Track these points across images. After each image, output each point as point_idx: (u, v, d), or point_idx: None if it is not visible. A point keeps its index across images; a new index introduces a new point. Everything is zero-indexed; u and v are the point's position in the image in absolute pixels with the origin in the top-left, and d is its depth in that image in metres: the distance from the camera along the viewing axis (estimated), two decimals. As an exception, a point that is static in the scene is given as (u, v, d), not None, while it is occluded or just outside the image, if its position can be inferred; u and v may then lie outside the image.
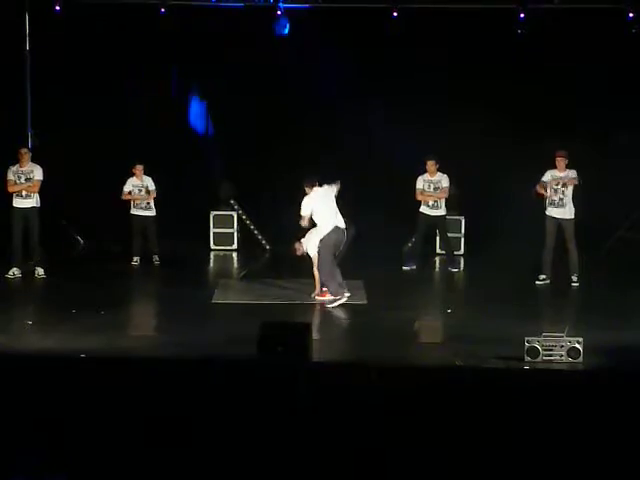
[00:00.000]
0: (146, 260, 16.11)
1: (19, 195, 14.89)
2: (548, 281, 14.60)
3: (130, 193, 16.18)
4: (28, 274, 14.86)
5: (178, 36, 16.76)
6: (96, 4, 16.44)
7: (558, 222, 14.58)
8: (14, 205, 14.92)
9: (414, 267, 15.84)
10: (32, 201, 14.90)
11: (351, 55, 16.48)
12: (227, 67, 17.00)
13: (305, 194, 13.54)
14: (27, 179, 14.89)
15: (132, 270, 15.87)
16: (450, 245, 16.41)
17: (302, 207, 13.44)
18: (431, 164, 15.85)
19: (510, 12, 16.26)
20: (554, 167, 14.56)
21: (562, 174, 14.54)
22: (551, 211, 14.60)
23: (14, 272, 14.82)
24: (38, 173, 14.91)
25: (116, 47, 16.73)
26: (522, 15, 16.23)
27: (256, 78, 17.02)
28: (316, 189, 13.51)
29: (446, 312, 13.15)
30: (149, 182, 16.22)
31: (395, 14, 16.27)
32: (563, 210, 14.55)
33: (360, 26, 16.49)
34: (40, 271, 14.93)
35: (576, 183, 14.47)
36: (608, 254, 16.59)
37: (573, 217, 14.56)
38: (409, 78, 16.65)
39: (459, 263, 16.40)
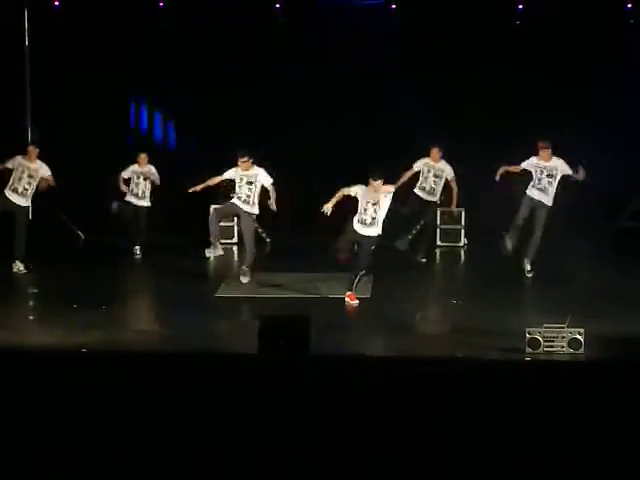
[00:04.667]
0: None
1: (15, 190, 14.75)
2: (510, 247, 14.32)
3: (129, 180, 16.09)
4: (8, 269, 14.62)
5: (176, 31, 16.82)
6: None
7: (535, 203, 14.41)
8: (6, 195, 14.70)
9: (424, 259, 15.73)
10: (24, 200, 14.73)
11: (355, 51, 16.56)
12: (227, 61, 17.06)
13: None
14: (29, 176, 14.75)
15: (133, 264, 15.87)
16: (429, 235, 16.24)
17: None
18: (435, 151, 15.68)
19: (508, 3, 16.26)
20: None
21: (547, 163, 14.42)
22: (533, 193, 14.43)
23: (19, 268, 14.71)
24: (45, 171, 14.79)
25: (115, 42, 16.73)
26: (520, 6, 16.23)
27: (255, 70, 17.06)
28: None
29: (451, 303, 13.16)
30: (153, 171, 16.09)
31: (393, 6, 16.28)
32: (546, 197, 14.38)
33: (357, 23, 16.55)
34: (20, 266, 14.66)
35: (576, 176, 14.30)
36: (611, 242, 16.53)
37: (550, 205, 14.39)
38: (407, 70, 16.64)
39: (427, 254, 16.10)
